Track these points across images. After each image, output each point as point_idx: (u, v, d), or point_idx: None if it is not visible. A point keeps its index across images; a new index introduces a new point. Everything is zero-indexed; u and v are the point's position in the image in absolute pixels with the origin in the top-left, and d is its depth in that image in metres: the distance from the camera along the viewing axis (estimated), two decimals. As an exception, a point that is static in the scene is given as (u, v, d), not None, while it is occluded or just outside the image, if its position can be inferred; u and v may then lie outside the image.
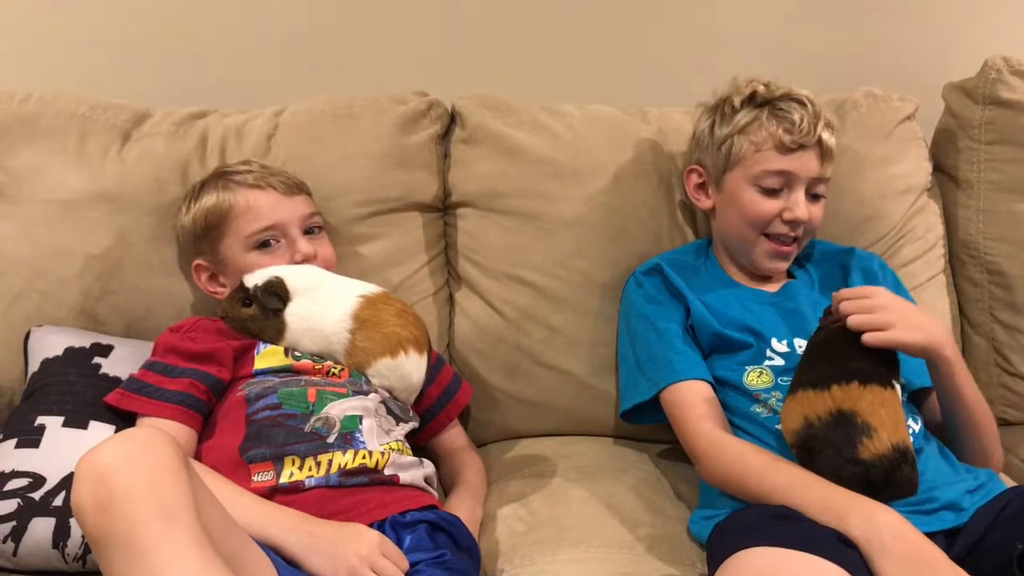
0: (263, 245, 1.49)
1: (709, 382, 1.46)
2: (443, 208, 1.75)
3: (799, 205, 1.51)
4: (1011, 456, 1.64)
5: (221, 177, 1.54)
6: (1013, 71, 1.76)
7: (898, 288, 1.62)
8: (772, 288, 1.59)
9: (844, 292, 1.35)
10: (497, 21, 1.96)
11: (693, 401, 1.43)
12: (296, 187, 1.55)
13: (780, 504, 1.26)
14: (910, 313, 1.34)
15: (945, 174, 1.84)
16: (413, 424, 1.47)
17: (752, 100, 1.55)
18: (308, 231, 1.53)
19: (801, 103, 1.53)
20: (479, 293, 1.70)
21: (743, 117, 1.54)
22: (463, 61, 1.95)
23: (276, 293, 1.41)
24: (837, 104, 1.78)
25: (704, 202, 1.62)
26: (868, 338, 1.29)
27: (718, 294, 1.56)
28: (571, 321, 1.66)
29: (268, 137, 1.68)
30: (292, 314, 1.42)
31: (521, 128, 1.72)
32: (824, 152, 1.52)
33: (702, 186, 1.62)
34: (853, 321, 1.30)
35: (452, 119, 1.77)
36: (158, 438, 1.03)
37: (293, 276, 1.43)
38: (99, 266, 1.57)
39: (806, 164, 1.51)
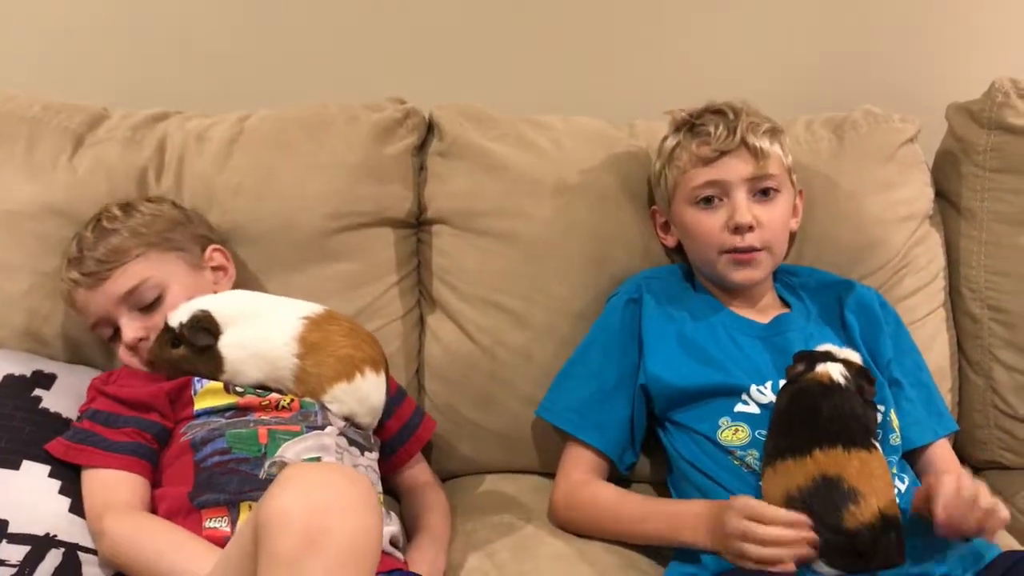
0: (110, 338, 1.42)
1: (604, 453, 1.46)
2: (417, 225, 1.66)
3: (739, 209, 1.45)
4: (1006, 504, 1.57)
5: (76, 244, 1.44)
6: (1021, 94, 1.67)
7: (899, 328, 1.55)
8: (763, 319, 1.51)
9: (945, 506, 1.20)
10: (480, 24, 1.86)
11: (576, 461, 1.46)
12: (110, 266, 1.38)
13: (637, 536, 1.36)
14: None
15: (946, 200, 1.74)
16: (377, 453, 1.40)
17: (675, 127, 1.53)
18: (147, 306, 1.39)
19: (720, 113, 1.49)
20: (452, 317, 1.61)
21: (668, 145, 1.53)
22: (443, 66, 1.85)
23: (205, 328, 1.33)
24: (835, 123, 1.70)
25: (669, 240, 1.59)
26: (990, 536, 1.23)
27: (706, 321, 1.49)
28: (549, 350, 1.57)
29: (231, 143, 1.59)
30: (228, 345, 1.33)
31: (503, 141, 1.63)
32: (755, 152, 1.46)
33: (665, 224, 1.59)
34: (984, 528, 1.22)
35: (429, 129, 1.68)
36: (379, 507, 1.06)
37: (221, 306, 1.35)
38: (48, 284, 1.48)
39: (734, 168, 1.46)
